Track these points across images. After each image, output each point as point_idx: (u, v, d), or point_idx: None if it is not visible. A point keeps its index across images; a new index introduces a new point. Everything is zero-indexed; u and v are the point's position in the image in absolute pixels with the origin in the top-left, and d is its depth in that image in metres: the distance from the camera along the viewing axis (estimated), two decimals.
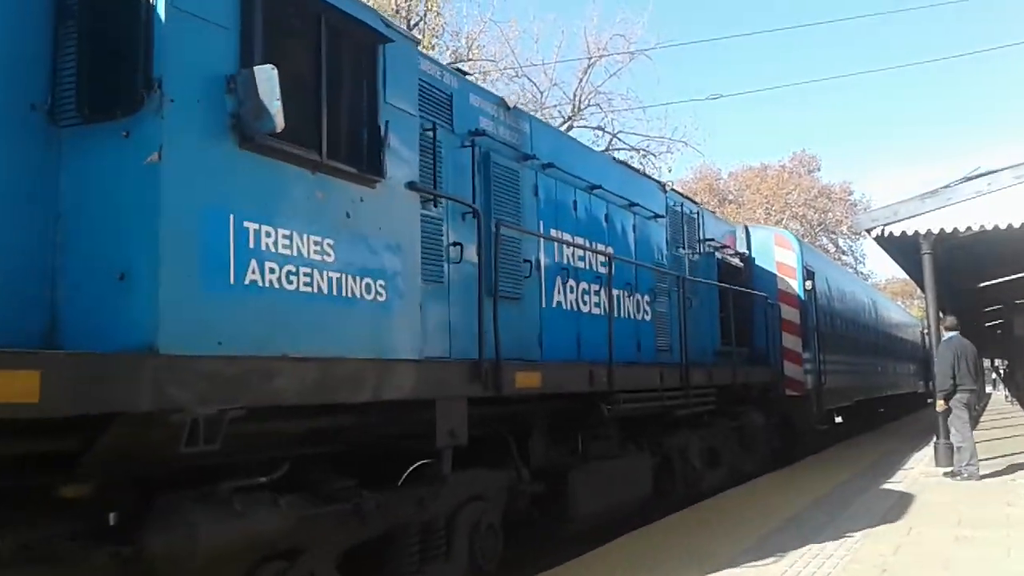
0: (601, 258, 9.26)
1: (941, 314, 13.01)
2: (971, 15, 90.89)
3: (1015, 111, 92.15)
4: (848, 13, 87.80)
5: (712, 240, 12.78)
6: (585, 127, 30.69)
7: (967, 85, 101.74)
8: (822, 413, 15.75)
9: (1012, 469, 12.32)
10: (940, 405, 12.06)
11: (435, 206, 6.57)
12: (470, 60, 27.35)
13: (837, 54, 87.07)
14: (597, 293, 9.14)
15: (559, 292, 8.50)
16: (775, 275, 14.89)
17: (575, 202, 9.04)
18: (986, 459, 12.49)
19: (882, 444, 18.78)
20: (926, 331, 36.38)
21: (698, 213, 12.36)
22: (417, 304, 5.78)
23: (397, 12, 24.96)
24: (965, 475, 11.46)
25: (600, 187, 9.48)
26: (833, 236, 60.31)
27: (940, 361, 11.96)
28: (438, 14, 26.98)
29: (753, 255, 14.91)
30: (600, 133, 30.81)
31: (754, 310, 13.89)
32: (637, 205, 10.29)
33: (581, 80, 30.80)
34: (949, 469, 11.88)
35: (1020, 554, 7.15)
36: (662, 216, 11.03)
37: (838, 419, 22.22)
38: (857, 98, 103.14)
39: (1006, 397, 44.65)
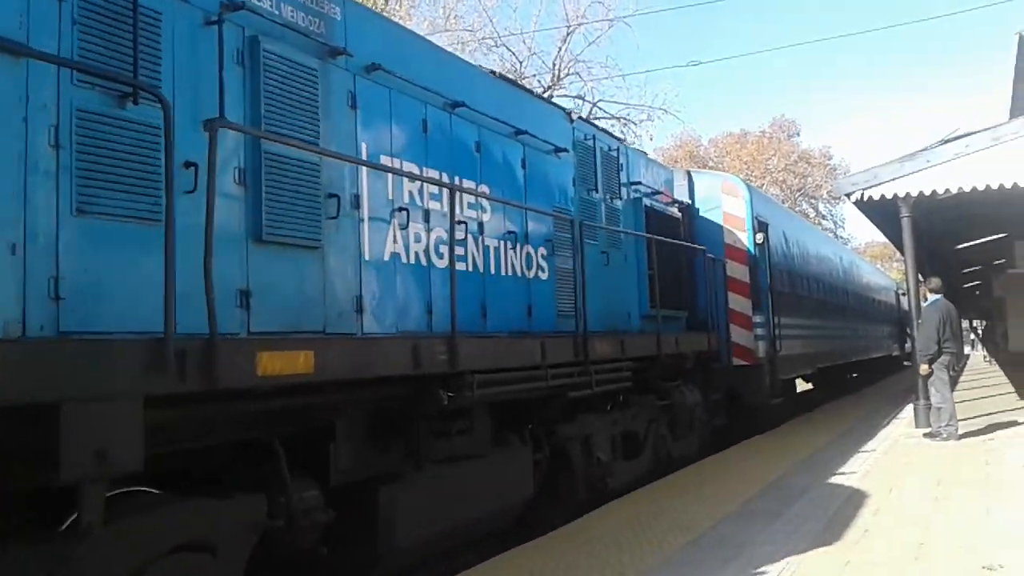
0: (470, 199, 6.83)
1: (921, 277, 12.69)
2: None
3: (993, 74, 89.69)
4: None
5: (639, 184, 10.11)
6: (565, 96, 29.13)
7: (945, 49, 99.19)
8: (777, 384, 13.13)
9: (990, 429, 12.05)
10: (924, 369, 11.45)
11: (135, 103, 3.97)
12: (448, 31, 26.22)
13: (816, 18, 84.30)
14: (463, 244, 6.62)
15: (395, 240, 5.92)
16: (722, 227, 12.29)
17: (425, 122, 6.43)
18: (965, 419, 12.14)
19: (858, 408, 16.85)
20: (902, 293, 33.50)
21: (618, 150, 9.64)
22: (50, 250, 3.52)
23: None
24: (944, 435, 11.09)
25: (465, 105, 6.86)
26: (813, 201, 58.47)
27: (926, 324, 11.41)
28: None
29: (697, 205, 12.28)
30: (580, 102, 29.11)
31: (695, 268, 11.25)
32: (526, 134, 7.68)
33: (560, 49, 29.52)
34: (928, 430, 11.50)
35: (999, 513, 7.01)
36: (565, 151, 8.41)
37: (807, 386, 20.13)
38: (837, 62, 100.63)
39: (984, 358, 43.56)
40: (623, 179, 9.80)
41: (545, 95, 27.65)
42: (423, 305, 6.10)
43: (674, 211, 11.37)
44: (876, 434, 12.66)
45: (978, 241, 20.69)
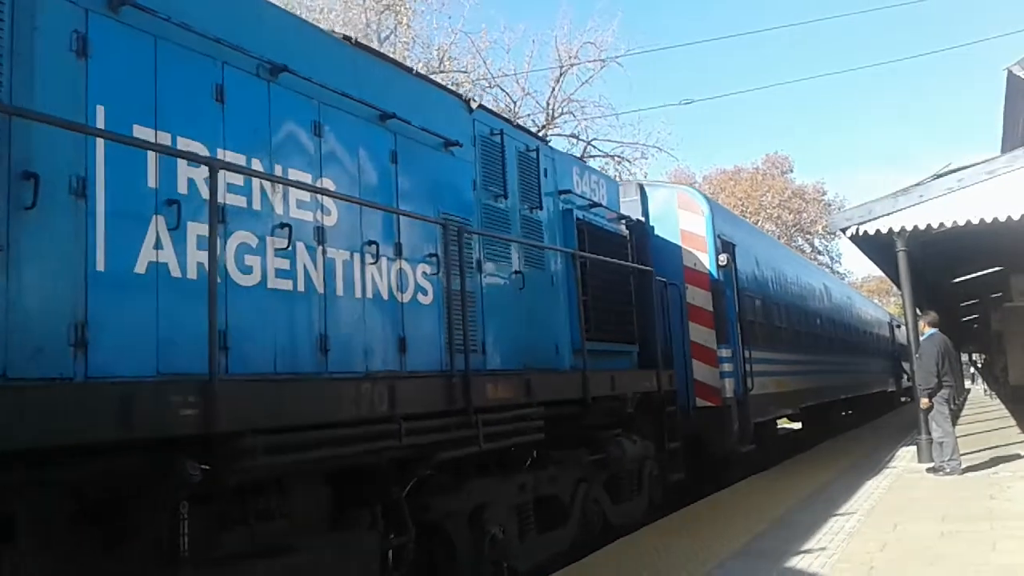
0: (303, 196, 4.83)
1: (918, 310, 12.30)
2: (943, 16, 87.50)
3: (984, 112, 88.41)
4: (818, 15, 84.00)
5: (571, 194, 8.15)
6: (559, 135, 28.12)
7: (937, 88, 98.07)
8: (748, 428, 10.90)
9: (993, 463, 11.63)
10: (924, 403, 11.06)
11: None
12: (442, 72, 25.27)
13: (807, 56, 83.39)
14: (288, 254, 4.65)
15: (159, 246, 3.99)
16: (680, 248, 10.34)
17: (220, 88, 4.50)
18: (967, 453, 11.76)
19: (849, 453, 14.60)
20: (898, 325, 31.54)
21: (538, 151, 7.60)
22: None
23: (368, 26, 23.57)
24: (948, 470, 10.66)
25: (291, 72, 4.92)
26: (808, 236, 56.68)
27: (924, 358, 11.08)
28: (408, 27, 25.25)
29: (652, 222, 10.26)
30: (574, 140, 28.17)
31: (646, 294, 9.12)
32: (396, 119, 5.74)
33: (553, 89, 28.57)
34: (931, 465, 11.06)
35: (1005, 547, 6.79)
36: (459, 145, 6.43)
37: (796, 426, 18.23)
38: (829, 100, 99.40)
39: (985, 391, 41.82)
40: (548, 187, 7.80)
41: (540, 134, 26.99)
42: (205, 337, 3.89)
43: (621, 228, 9.33)
44: (879, 470, 11.86)
45: (975, 275, 20.12)
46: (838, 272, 56.04)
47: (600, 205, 8.91)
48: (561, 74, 28.48)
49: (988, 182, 11.10)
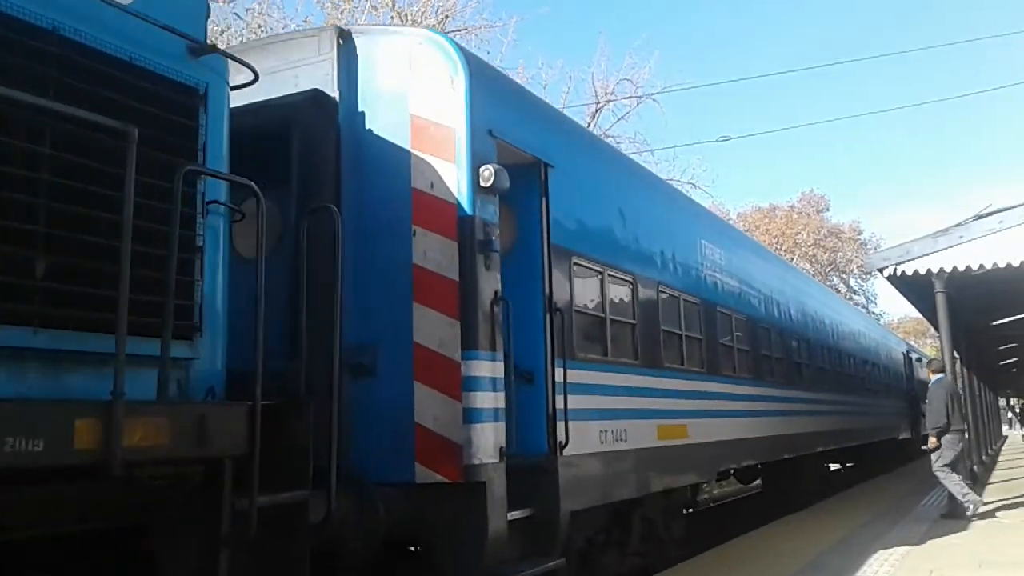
0: None
1: (956, 353, 11.78)
2: (981, 55, 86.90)
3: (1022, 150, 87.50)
4: (852, 56, 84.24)
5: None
6: None
7: (977, 124, 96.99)
8: (554, 527, 5.56)
9: None
10: (932, 442, 10.82)
11: None
12: None
13: (845, 94, 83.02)
14: None
15: None
16: (409, 154, 5.18)
17: None
18: (1005, 500, 11.39)
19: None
20: (917, 358, 25.79)
21: None
22: None
23: None
24: (971, 510, 10.11)
25: None
26: (844, 276, 54.35)
27: (934, 401, 10.76)
28: None
29: (364, 106, 5.28)
30: None
31: (321, 242, 4.29)
32: None
33: (589, 124, 27.09)
34: (945, 511, 10.49)
35: None
36: None
37: (754, 483, 13.40)
38: (866, 138, 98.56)
39: (1023, 436, 40.75)
40: None
41: None
42: None
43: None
44: (907, 517, 10.90)
45: (1015, 317, 18.56)
46: (873, 313, 55.08)
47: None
48: (597, 110, 27.79)
49: None
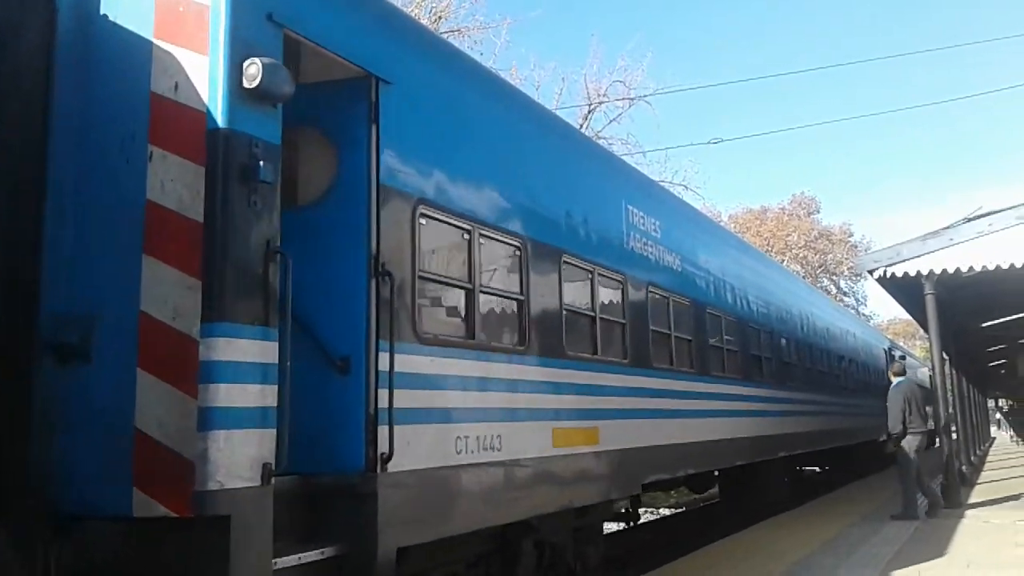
0: None
1: (945, 355, 11.78)
2: (974, 59, 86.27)
3: (1013, 152, 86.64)
4: (844, 59, 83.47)
5: None
6: None
7: (966, 128, 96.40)
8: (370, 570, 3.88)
9: (1020, 509, 10.81)
10: (890, 447, 11.11)
11: None
12: None
13: (837, 97, 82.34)
14: None
15: None
16: (152, 47, 3.60)
17: None
18: (994, 500, 11.51)
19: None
20: (901, 356, 23.83)
21: None
22: None
23: None
24: (912, 515, 10.23)
25: None
26: (834, 278, 54.03)
27: (891, 405, 10.77)
28: None
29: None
30: None
31: None
32: None
33: (582, 125, 27.07)
34: (896, 512, 10.46)
35: None
36: None
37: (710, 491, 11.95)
38: (857, 141, 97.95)
39: (1012, 438, 40.18)
40: None
41: None
42: None
43: None
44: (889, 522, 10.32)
45: (1003, 319, 18.68)
46: (864, 314, 54.32)
47: None
48: (590, 111, 27.51)
49: (1018, 227, 10.46)
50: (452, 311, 4.97)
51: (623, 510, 8.05)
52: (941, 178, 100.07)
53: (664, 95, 41.94)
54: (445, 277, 4.89)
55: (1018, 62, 51.44)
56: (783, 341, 12.93)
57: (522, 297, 5.54)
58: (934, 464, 13.45)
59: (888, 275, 11.08)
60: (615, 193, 7.40)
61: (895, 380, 11.08)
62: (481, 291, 5.06)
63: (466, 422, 4.78)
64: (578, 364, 6.16)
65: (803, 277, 43.34)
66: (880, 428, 17.37)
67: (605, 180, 7.42)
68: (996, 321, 19.03)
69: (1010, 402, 40.25)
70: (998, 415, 47.63)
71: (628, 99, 28.13)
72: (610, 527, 12.61)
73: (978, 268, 10.63)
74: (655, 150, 55.79)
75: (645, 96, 28.05)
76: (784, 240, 51.18)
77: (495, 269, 5.33)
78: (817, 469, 18.16)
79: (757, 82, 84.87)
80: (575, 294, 6.28)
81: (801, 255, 50.56)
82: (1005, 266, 10.48)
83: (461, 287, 4.97)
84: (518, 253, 5.55)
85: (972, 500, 11.66)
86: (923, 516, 10.20)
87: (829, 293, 49.31)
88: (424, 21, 22.97)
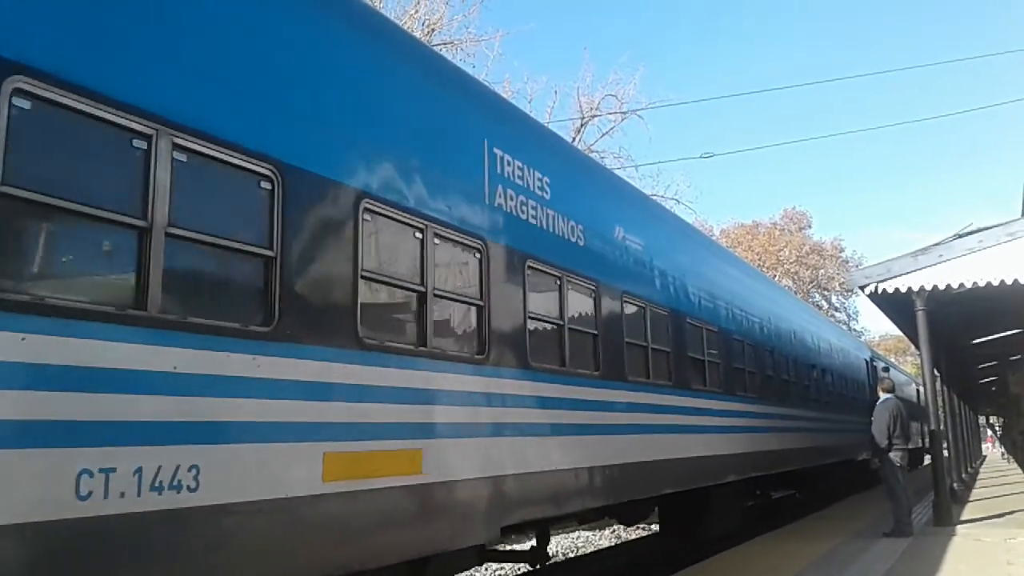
0: None
1: (936, 371, 11.84)
2: (961, 77, 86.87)
3: (1004, 169, 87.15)
4: (836, 75, 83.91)
5: None
6: None
7: (959, 144, 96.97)
8: None
9: (1011, 527, 10.76)
10: (875, 463, 11.05)
11: None
12: None
13: (829, 113, 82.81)
14: None
15: None
16: None
17: None
18: (986, 517, 11.53)
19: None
20: (884, 368, 23.41)
21: None
22: None
23: None
24: (901, 533, 10.22)
25: None
26: (826, 293, 54.41)
27: (877, 421, 10.73)
28: None
29: None
30: None
31: None
32: None
33: (574, 139, 27.39)
34: (887, 530, 10.41)
35: None
36: None
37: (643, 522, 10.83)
38: (850, 157, 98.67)
39: (1002, 455, 40.09)
40: None
41: None
42: None
43: None
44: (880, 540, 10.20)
45: (994, 336, 18.76)
46: (855, 330, 54.30)
47: None
48: (582, 125, 27.60)
49: (1008, 244, 10.55)
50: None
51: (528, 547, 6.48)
52: (933, 194, 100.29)
53: (656, 109, 42.19)
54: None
55: (1013, 77, 52.56)
56: (742, 347, 11.22)
57: (271, 253, 4.23)
58: (919, 484, 13.53)
59: (879, 291, 11.12)
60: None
61: (883, 396, 11.10)
62: (167, 232, 3.66)
63: (91, 446, 3.17)
64: (379, 357, 4.67)
65: (795, 292, 43.32)
66: (860, 447, 17.33)
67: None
68: (987, 338, 19.17)
69: (1001, 419, 40.11)
70: (989, 432, 47.53)
71: (620, 113, 28.27)
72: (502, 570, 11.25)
73: (969, 285, 10.65)
74: (647, 164, 56.01)
75: (637, 110, 28.26)
76: (776, 255, 51.31)
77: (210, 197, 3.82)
78: (795, 493, 16.37)
79: (749, 97, 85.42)
80: (398, 257, 5.02)
81: (792, 270, 50.78)
82: (996, 283, 10.50)
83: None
84: (272, 185, 4.19)
85: (963, 517, 11.66)
86: (912, 532, 10.29)
87: (820, 308, 49.38)
88: (417, 33, 23.06)
